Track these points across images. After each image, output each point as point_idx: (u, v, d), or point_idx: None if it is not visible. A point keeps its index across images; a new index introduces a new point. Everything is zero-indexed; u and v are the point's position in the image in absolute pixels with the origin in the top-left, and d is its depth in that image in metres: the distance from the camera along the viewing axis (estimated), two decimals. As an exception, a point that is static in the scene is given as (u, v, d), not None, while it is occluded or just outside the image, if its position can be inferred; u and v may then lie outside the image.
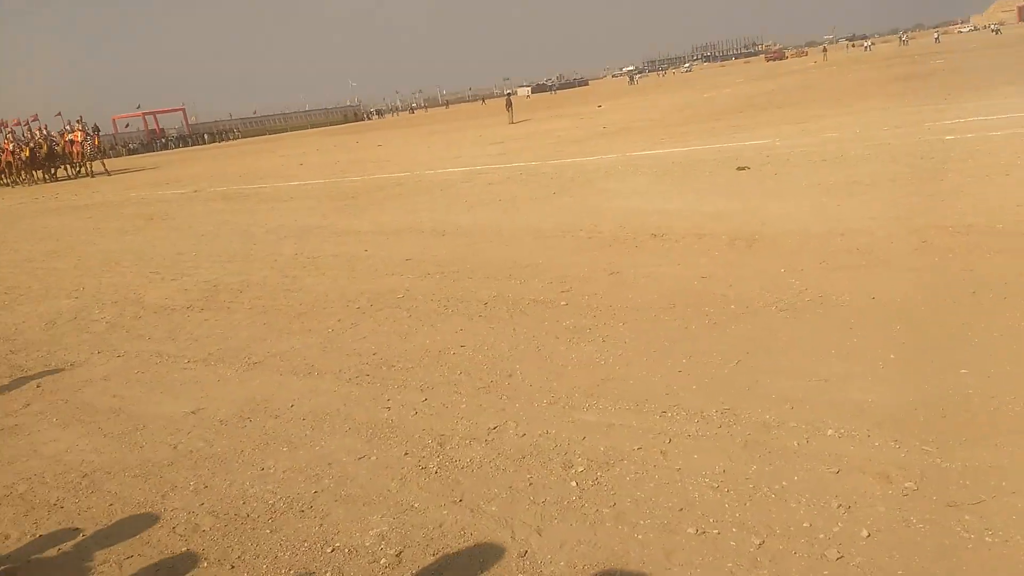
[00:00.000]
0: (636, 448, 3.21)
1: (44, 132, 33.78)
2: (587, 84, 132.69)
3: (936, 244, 5.53)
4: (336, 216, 11.12)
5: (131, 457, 3.73)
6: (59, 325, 6.64)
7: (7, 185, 34.48)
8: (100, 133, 36.03)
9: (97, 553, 2.90)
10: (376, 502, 3.05)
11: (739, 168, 10.14)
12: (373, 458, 3.43)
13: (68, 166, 33.93)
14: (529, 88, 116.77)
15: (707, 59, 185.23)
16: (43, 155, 32.87)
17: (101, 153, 34.51)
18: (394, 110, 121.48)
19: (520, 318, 5.20)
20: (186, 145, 74.41)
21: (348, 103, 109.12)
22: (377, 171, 17.72)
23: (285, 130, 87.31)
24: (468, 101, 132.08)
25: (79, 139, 32.47)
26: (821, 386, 3.55)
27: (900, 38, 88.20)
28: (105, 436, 4.05)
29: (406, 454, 3.42)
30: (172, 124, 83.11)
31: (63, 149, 32.95)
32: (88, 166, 33.04)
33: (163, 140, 75.66)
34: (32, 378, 5.23)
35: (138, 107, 79.34)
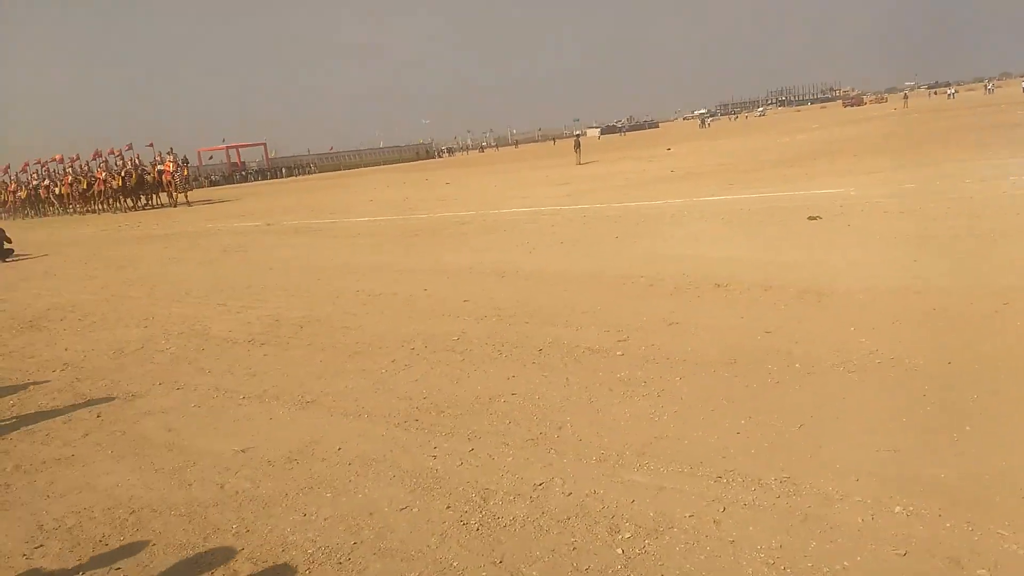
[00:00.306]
0: (687, 515, 3.04)
1: (136, 162, 35.60)
2: (657, 126, 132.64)
3: (1019, 307, 5.18)
4: (399, 254, 11.26)
5: (178, 495, 3.76)
6: (126, 354, 6.85)
7: (95, 212, 36.52)
8: (188, 164, 37.85)
9: (135, 594, 2.90)
10: (414, 558, 2.96)
11: (811, 218, 9.83)
12: (415, 510, 3.35)
13: (157, 195, 35.72)
14: (599, 130, 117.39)
15: (782, 103, 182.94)
16: (132, 184, 34.71)
17: (188, 184, 36.14)
18: (464, 148, 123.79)
19: (574, 367, 5.08)
20: (264, 178, 77.34)
21: (420, 141, 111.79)
22: (443, 209, 17.97)
23: (359, 166, 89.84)
24: (538, 141, 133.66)
25: (170, 169, 34.18)
26: (890, 457, 3.31)
27: (985, 86, 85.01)
28: (156, 471, 4.10)
29: (448, 507, 3.33)
30: (253, 158, 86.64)
31: (153, 179, 34.69)
32: (176, 196, 34.64)
33: (243, 173, 78.90)
34: (94, 406, 5.39)
35: (223, 141, 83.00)
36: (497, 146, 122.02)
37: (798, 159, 20.66)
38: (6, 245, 17.44)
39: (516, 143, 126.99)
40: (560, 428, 4.07)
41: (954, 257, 6.87)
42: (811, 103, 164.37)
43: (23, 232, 26.75)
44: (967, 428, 3.49)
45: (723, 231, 9.88)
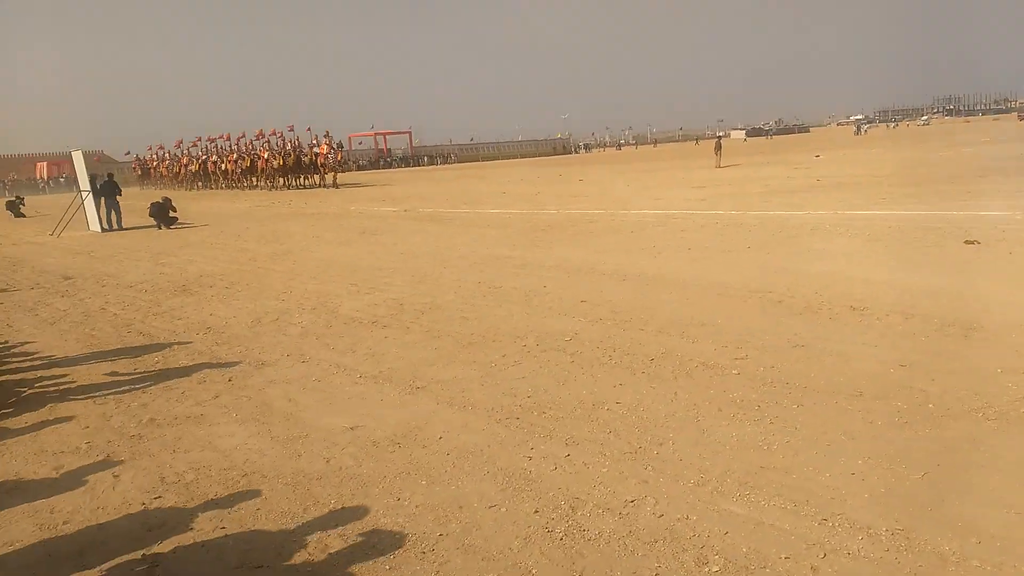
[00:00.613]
0: (783, 557, 2.86)
1: (296, 143, 37.97)
2: (808, 131, 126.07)
3: None
4: (525, 248, 11.35)
5: (288, 465, 3.97)
6: (263, 324, 7.33)
7: (255, 188, 39.37)
8: (342, 149, 40.07)
9: (232, 558, 3.09)
10: (495, 558, 2.97)
11: (967, 242, 8.99)
12: (503, 509, 3.36)
13: (310, 176, 37.99)
14: (744, 132, 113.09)
15: (949, 113, 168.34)
16: (291, 164, 37.11)
17: (340, 167, 38.07)
18: (602, 145, 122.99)
19: (685, 381, 4.92)
20: (407, 166, 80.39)
21: (558, 135, 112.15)
22: (573, 206, 17.94)
23: (497, 158, 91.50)
24: (678, 141, 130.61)
25: (324, 152, 36.23)
26: (1018, 521, 2.96)
27: None
28: (272, 439, 4.36)
29: (536, 512, 3.32)
30: (398, 145, 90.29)
31: (309, 160, 36.92)
32: (327, 177, 36.67)
33: (388, 159, 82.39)
34: (227, 370, 5.81)
35: (371, 127, 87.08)
36: (636, 144, 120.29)
37: (960, 176, 18.95)
38: (171, 213, 19.13)
39: (655, 142, 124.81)
40: (661, 444, 3.96)
41: None
42: (982, 114, 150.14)
43: (188, 202, 29.29)
44: None
45: (867, 249, 9.24)
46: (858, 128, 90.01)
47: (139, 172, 56.10)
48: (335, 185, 35.94)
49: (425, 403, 4.83)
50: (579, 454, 3.90)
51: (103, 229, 19.33)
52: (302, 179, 38.28)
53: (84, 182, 19.66)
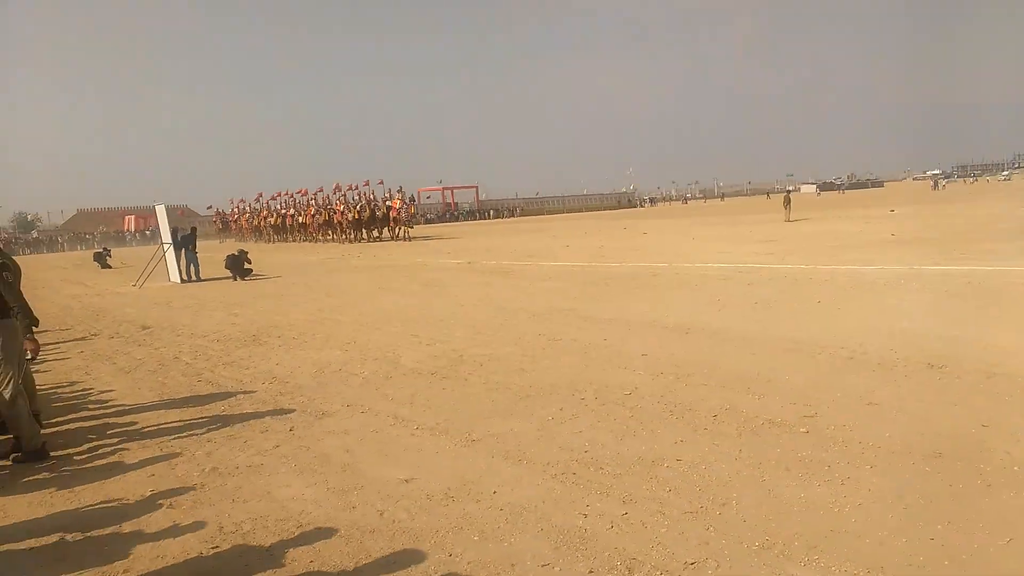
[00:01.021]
0: (856, 629, 2.66)
1: (371, 197, 39.04)
2: (882, 185, 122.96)
3: None
4: (585, 301, 11.28)
5: (343, 516, 3.96)
6: (326, 374, 7.45)
7: (331, 241, 40.60)
8: (415, 203, 41.10)
9: (286, 605, 3.08)
10: (547, 619, 2.87)
11: (1056, 297, 8.50)
12: (556, 568, 3.25)
13: (383, 229, 38.93)
14: (815, 186, 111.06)
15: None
16: (366, 218, 38.23)
17: (412, 221, 39.05)
18: (668, 199, 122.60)
19: (749, 439, 4.73)
20: (474, 219, 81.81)
21: (623, 189, 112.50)
22: (636, 259, 17.83)
23: (562, 211, 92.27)
24: (746, 195, 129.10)
25: (397, 206, 37.22)
26: None
27: None
28: (328, 490, 4.37)
29: (591, 572, 3.20)
30: (465, 199, 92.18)
31: (383, 214, 37.92)
32: (401, 231, 37.60)
33: (455, 213, 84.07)
34: (289, 420, 5.89)
35: (439, 182, 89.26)
36: (705, 198, 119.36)
37: (1051, 229, 18.05)
38: (246, 265, 19.87)
39: (723, 196, 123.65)
40: (724, 505, 3.79)
41: None
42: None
43: (263, 255, 30.38)
44: None
45: (945, 304, 8.83)
46: (935, 183, 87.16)
47: (220, 225, 58.78)
48: (408, 238, 36.69)
49: (480, 456, 4.78)
50: (637, 512, 3.76)
51: (182, 280, 20.19)
52: (379, 232, 39.32)
53: (166, 235, 20.67)
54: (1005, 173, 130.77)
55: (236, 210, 55.55)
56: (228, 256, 20.20)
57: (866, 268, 12.84)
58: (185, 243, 20.55)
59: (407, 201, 38.06)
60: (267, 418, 6.01)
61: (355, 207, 38.83)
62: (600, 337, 8.35)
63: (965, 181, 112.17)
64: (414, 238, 37.07)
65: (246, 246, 29.54)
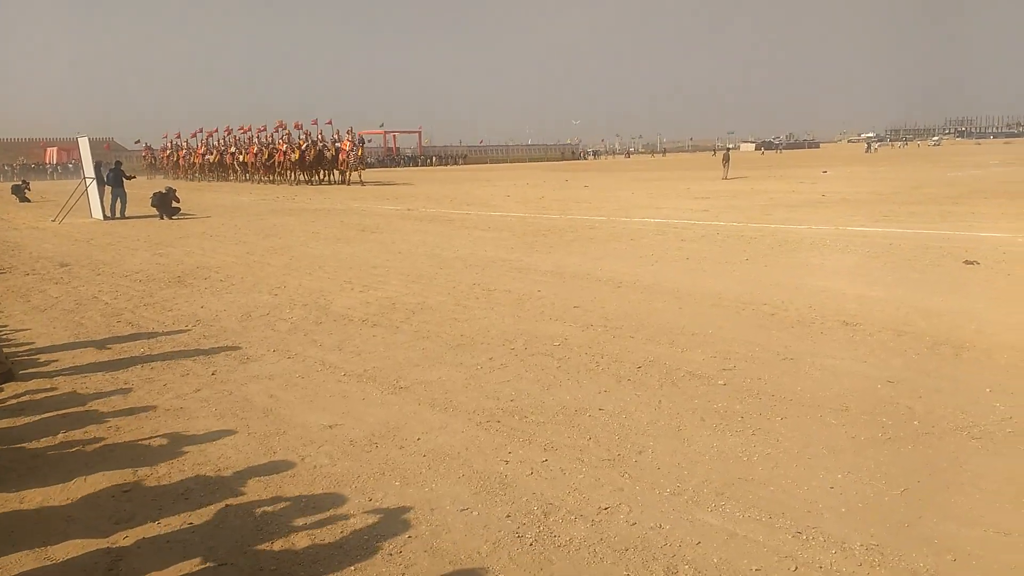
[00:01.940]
0: (754, 568, 2.81)
1: (319, 137, 36.92)
2: (818, 147, 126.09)
3: None
4: (523, 251, 11.31)
5: (262, 461, 3.93)
6: (253, 319, 7.30)
7: (274, 182, 38.77)
8: (364, 145, 39.13)
9: (197, 553, 3.06)
10: (463, 562, 2.93)
11: (967, 262, 8.93)
12: (475, 513, 3.32)
13: (331, 172, 36.93)
14: (753, 145, 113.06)
15: (960, 134, 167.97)
16: (311, 159, 36.28)
17: (363, 164, 37.02)
18: (612, 152, 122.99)
19: (670, 390, 4.87)
20: (415, 165, 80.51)
21: (568, 141, 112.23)
22: (576, 211, 17.90)
23: (506, 161, 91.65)
24: (688, 151, 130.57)
25: (347, 148, 35.30)
26: (998, 541, 2.91)
27: None
28: (249, 435, 4.32)
29: (508, 516, 3.28)
30: (407, 144, 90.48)
31: (332, 155, 36.00)
32: (349, 174, 35.72)
33: (397, 158, 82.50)
34: (212, 364, 5.77)
35: (381, 125, 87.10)
36: (653, 152, 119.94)
37: (966, 196, 18.88)
38: (174, 204, 19.15)
39: (665, 151, 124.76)
40: (640, 452, 3.91)
41: None
42: (993, 137, 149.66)
43: (194, 194, 29.35)
44: (1107, 526, 3.01)
45: (865, 265, 9.18)
46: (868, 146, 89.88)
47: (151, 161, 56.05)
48: (360, 182, 34.76)
49: (407, 403, 4.79)
50: (557, 460, 3.85)
51: (105, 217, 19.35)
52: (323, 175, 37.32)
53: (89, 169, 19.69)
54: (935, 139, 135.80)
55: (170, 145, 52.94)
56: (155, 193, 19.41)
57: (795, 227, 13.21)
58: (113, 178, 19.65)
59: (357, 143, 35.85)
60: (188, 361, 5.87)
61: (297, 147, 36.93)
62: (535, 288, 8.40)
63: (896, 145, 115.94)
64: (366, 183, 35.33)
65: (176, 184, 28.36)
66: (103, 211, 19.48)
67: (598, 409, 4.56)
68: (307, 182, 37.09)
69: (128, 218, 19.42)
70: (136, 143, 61.97)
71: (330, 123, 38.18)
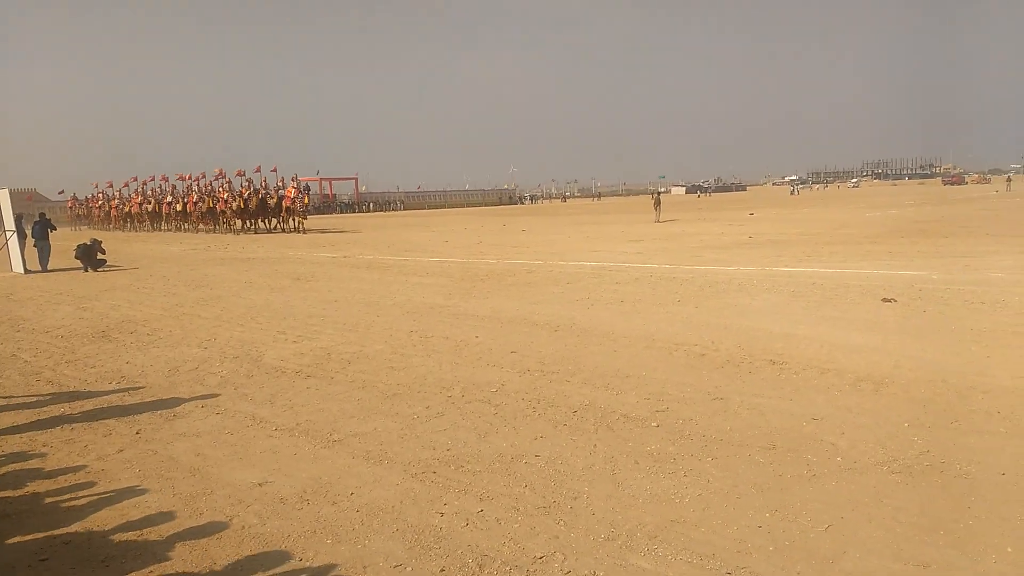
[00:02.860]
0: (686, 613, 2.84)
1: (263, 185, 36.02)
2: (745, 190, 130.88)
3: (1104, 419, 4.73)
4: (461, 297, 11.33)
5: (187, 524, 3.79)
6: (180, 373, 7.08)
7: (213, 231, 37.67)
8: (310, 192, 38.35)
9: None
10: (395, 620, 2.87)
11: (885, 299, 9.36)
12: (408, 569, 3.27)
13: (274, 220, 35.98)
14: (684, 188, 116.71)
15: (877, 176, 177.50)
16: (253, 207, 35.26)
17: (306, 212, 36.08)
18: (548, 197, 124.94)
19: (605, 434, 4.92)
20: (352, 212, 79.98)
21: (505, 186, 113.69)
22: (514, 256, 18.07)
23: (443, 206, 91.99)
24: (622, 195, 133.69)
25: (291, 196, 34.54)
26: (917, 574, 3.03)
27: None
28: (175, 496, 4.17)
29: (442, 570, 3.24)
30: (344, 191, 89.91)
31: (276, 203, 35.08)
32: (294, 222, 34.87)
33: (333, 205, 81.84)
34: (136, 422, 5.56)
35: (317, 172, 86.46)
36: (595, 198, 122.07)
37: (883, 235, 19.87)
38: (100, 255, 18.52)
39: (599, 195, 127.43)
40: (575, 499, 3.93)
41: (1035, 356, 6.37)
42: (909, 178, 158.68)
43: (122, 244, 28.46)
44: (1008, 550, 3.17)
45: (790, 305, 9.52)
46: (793, 189, 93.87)
47: (78, 212, 53.73)
48: (302, 230, 34.14)
49: (340, 457, 4.71)
50: (492, 509, 3.84)
51: (26, 271, 18.56)
52: (267, 223, 36.40)
53: (9, 221, 18.91)
54: (854, 180, 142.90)
55: (101, 195, 50.78)
56: (79, 245, 18.74)
57: (724, 269, 13.63)
58: (38, 231, 19.01)
59: (302, 190, 35.30)
60: (112, 420, 5.65)
61: (240, 195, 35.84)
62: (472, 334, 8.42)
63: (812, 187, 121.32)
64: (308, 230, 34.59)
65: (106, 235, 27.40)
66: (24, 265, 18.69)
67: (534, 455, 4.58)
68: (250, 231, 36.24)
69: (51, 271, 18.68)
70: (60, 193, 59.77)
71: (274, 170, 37.46)
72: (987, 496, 3.72)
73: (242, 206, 35.62)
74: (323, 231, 36.39)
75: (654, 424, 5.07)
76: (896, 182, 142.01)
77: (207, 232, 37.99)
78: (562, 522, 3.66)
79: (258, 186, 36.43)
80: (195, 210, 39.34)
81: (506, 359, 7.16)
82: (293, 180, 35.51)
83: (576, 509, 3.80)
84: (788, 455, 4.40)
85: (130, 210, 45.51)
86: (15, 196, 20.33)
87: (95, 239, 19.42)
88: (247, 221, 36.48)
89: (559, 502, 3.89)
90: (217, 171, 39.29)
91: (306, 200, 35.60)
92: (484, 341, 8.03)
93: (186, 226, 40.82)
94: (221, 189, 37.99)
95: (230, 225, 37.19)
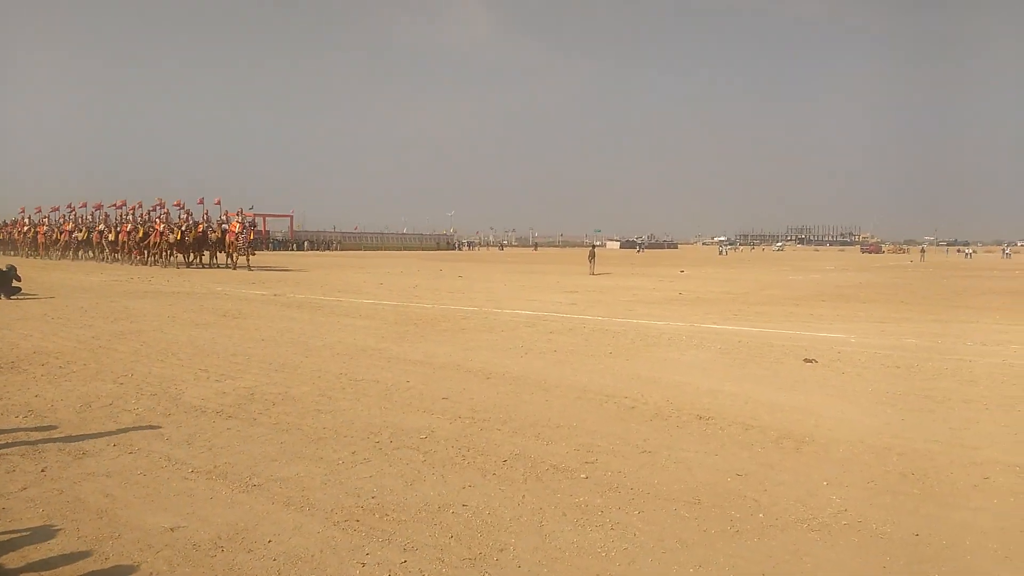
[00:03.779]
0: (609, 671, 2.80)
1: (205, 218, 34.43)
2: (676, 247, 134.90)
3: (999, 483, 4.97)
4: (394, 341, 11.19)
5: (91, 567, 3.56)
6: (92, 409, 6.72)
7: (146, 264, 35.64)
8: (256, 228, 36.53)
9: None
10: (309, 677, 2.74)
11: (806, 360, 9.70)
12: (326, 621, 3.13)
13: (216, 254, 34.39)
14: (618, 243, 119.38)
15: (801, 241, 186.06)
16: (191, 240, 33.45)
17: (251, 248, 34.14)
18: (485, 244, 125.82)
19: (534, 484, 4.89)
20: (286, 249, 78.59)
21: (444, 232, 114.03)
22: (449, 301, 18.02)
23: (380, 248, 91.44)
24: (558, 246, 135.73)
25: (235, 230, 32.83)
26: (839, 635, 3.08)
27: (1003, 250, 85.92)
28: (79, 539, 3.91)
29: (361, 624, 3.12)
30: (278, 228, 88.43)
31: (217, 237, 33.42)
32: (236, 258, 33.20)
33: (266, 242, 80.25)
34: (42, 460, 5.23)
35: (251, 208, 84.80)
36: (535, 247, 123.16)
37: (806, 298, 20.70)
38: (14, 283, 17.60)
39: (536, 245, 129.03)
40: (502, 550, 3.87)
41: (942, 421, 6.68)
42: (830, 244, 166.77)
43: (39, 272, 27.13)
44: (925, 611, 3.26)
45: (717, 361, 9.76)
46: (721, 249, 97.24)
47: (2, 236, 50.59)
48: (248, 267, 32.47)
49: (259, 502, 4.52)
50: (416, 560, 3.73)
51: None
52: (205, 257, 34.74)
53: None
54: (779, 244, 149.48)
55: (28, 220, 47.80)
56: (-9, 270, 17.76)
57: (655, 323, 13.91)
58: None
59: (247, 225, 33.32)
60: (16, 456, 5.29)
61: (178, 227, 34.03)
62: (404, 379, 8.30)
63: (739, 248, 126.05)
64: (254, 267, 32.92)
65: (22, 262, 26.05)
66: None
67: (462, 505, 4.50)
68: (187, 265, 34.49)
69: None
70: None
71: (218, 203, 35.72)
72: (901, 556, 3.83)
73: (179, 238, 33.84)
74: (256, 268, 35.51)
75: (583, 476, 5.06)
76: (818, 247, 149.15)
77: (139, 264, 36.17)
78: (487, 574, 3.58)
79: (199, 219, 34.84)
80: (128, 240, 37.19)
81: (437, 405, 7.07)
82: (239, 214, 33.87)
83: (502, 561, 3.74)
84: (713, 510, 4.46)
85: (57, 237, 43.22)
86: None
87: (11, 266, 18.45)
88: (187, 255, 34.71)
89: (485, 554, 3.82)
90: (157, 200, 37.38)
91: (251, 236, 34.04)
92: (415, 386, 7.93)
93: (117, 257, 38.91)
94: (158, 220, 35.90)
95: (165, 258, 35.34)
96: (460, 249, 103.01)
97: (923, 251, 73.81)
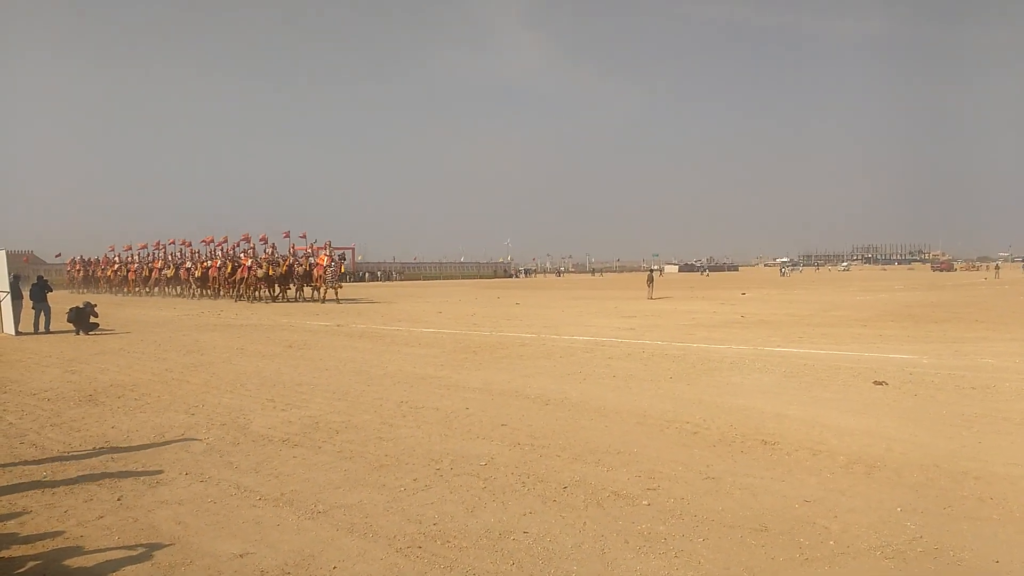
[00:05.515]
0: None
1: (291, 252, 34.48)
2: (737, 270, 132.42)
3: (1098, 508, 4.69)
4: (452, 369, 11.29)
5: (163, 593, 3.69)
6: (166, 439, 6.98)
7: (234, 299, 35.30)
8: (344, 261, 36.20)
9: None
10: None
11: (876, 382, 9.37)
12: (390, 647, 3.16)
13: (303, 288, 34.41)
14: (676, 266, 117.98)
15: (867, 260, 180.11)
16: (278, 275, 33.45)
17: (338, 281, 34.07)
18: (543, 271, 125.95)
19: (595, 511, 4.84)
20: (348, 281, 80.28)
21: (500, 259, 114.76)
22: (506, 328, 18.09)
23: (439, 277, 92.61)
24: (615, 271, 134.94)
25: (323, 263, 32.87)
26: (918, 668, 2.95)
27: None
28: (153, 566, 4.06)
29: (424, 650, 3.14)
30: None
31: (305, 271, 33.41)
32: (324, 292, 33.06)
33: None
34: (118, 489, 5.45)
35: (315, 242, 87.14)
36: (593, 272, 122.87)
37: (874, 319, 20.02)
38: (92, 319, 18.47)
39: (594, 271, 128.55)
40: (563, 578, 3.84)
41: (1022, 444, 6.36)
42: (898, 263, 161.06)
43: (116, 309, 28.40)
44: (1010, 644, 3.10)
45: (782, 385, 9.52)
46: (783, 270, 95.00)
47: (81, 274, 52.60)
48: (336, 300, 32.48)
49: (324, 529, 4.61)
50: (478, 587, 3.74)
51: (17, 332, 18.46)
52: (298, 291, 34.81)
53: (3, 283, 18.94)
54: (844, 264, 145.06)
55: (116, 259, 49.42)
56: (72, 308, 18.70)
57: (716, 347, 13.66)
58: (36, 293, 19.08)
59: (336, 259, 33.43)
60: (94, 486, 5.53)
61: (267, 262, 33.83)
62: (463, 406, 8.36)
63: (801, 270, 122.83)
64: (342, 300, 32.93)
65: (101, 299, 27.10)
66: (15, 326, 18.60)
67: (523, 532, 4.49)
68: (277, 299, 34.35)
69: (46, 333, 18.60)
70: (57, 256, 59.65)
71: (303, 237, 35.83)
72: (982, 584, 3.65)
73: (269, 272, 33.71)
74: (311, 300, 36.20)
75: (645, 502, 5.00)
76: (886, 267, 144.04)
77: (226, 299, 36.23)
78: (549, 602, 3.57)
79: (285, 253, 34.90)
80: (218, 275, 37.44)
81: (496, 432, 7.09)
82: (326, 248, 33.86)
83: (564, 589, 3.71)
84: (780, 537, 4.33)
85: (147, 275, 44.37)
86: (12, 258, 20.44)
87: (88, 302, 19.42)
88: (273, 289, 34.61)
89: (546, 581, 3.80)
90: (243, 235, 37.47)
91: (341, 269, 33.58)
92: (474, 413, 7.98)
93: (207, 292, 38.83)
94: (244, 255, 36.06)
95: (254, 293, 34.94)
96: (517, 276, 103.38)
97: (997, 268, 70.51)
